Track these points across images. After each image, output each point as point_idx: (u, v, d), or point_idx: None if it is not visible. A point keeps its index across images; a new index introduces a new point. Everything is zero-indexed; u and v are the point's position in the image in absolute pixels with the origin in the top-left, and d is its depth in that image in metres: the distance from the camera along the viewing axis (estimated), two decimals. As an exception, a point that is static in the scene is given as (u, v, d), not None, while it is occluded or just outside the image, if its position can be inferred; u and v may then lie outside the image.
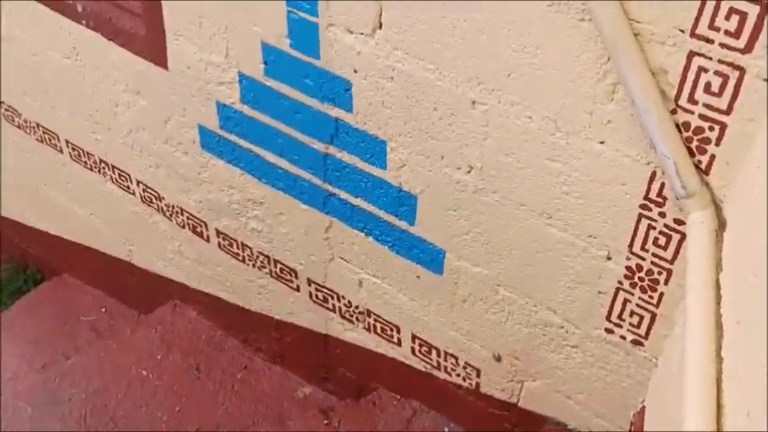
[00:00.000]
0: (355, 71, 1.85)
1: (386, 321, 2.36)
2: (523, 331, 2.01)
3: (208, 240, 2.72)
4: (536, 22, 1.48)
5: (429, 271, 2.10)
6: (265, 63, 2.04)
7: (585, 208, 1.66)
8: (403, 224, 2.06)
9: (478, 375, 2.23)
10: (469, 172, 1.82)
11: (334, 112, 1.98)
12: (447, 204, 1.92)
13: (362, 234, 2.19)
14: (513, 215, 1.81)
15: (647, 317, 1.73)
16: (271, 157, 2.25)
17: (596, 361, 1.91)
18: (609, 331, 1.82)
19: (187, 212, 2.70)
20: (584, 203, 1.66)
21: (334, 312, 2.50)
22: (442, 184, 1.89)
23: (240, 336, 2.99)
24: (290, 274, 2.53)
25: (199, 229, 2.72)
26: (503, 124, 1.67)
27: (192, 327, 3.12)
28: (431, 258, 2.07)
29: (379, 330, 2.41)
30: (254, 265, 2.63)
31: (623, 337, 1.81)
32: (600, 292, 1.78)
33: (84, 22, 2.45)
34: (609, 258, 1.71)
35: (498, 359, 2.14)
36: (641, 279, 1.68)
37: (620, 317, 1.78)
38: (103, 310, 3.51)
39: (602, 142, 1.55)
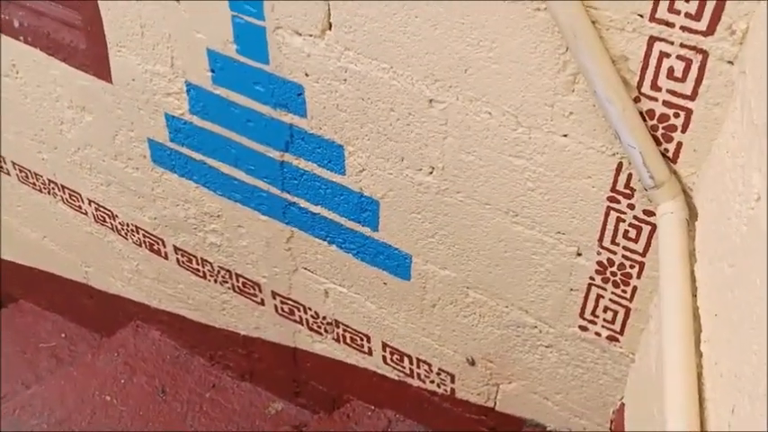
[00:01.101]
0: (307, 74, 1.78)
1: (355, 331, 2.29)
2: (496, 333, 1.95)
3: (166, 258, 2.62)
4: (490, 13, 1.42)
5: (396, 277, 2.04)
6: (212, 71, 1.95)
7: (552, 204, 1.61)
8: (366, 230, 2.00)
9: (453, 381, 2.17)
10: (431, 173, 1.75)
11: (288, 117, 1.90)
12: (410, 207, 1.86)
13: (325, 243, 2.12)
14: (478, 215, 1.75)
15: (622, 312, 1.68)
16: (225, 168, 2.16)
17: (572, 360, 1.86)
18: (583, 329, 1.77)
19: (143, 230, 2.60)
20: (551, 199, 1.61)
21: (302, 324, 2.42)
22: (403, 186, 1.83)
23: (206, 354, 2.89)
24: (254, 288, 2.45)
25: (156, 247, 2.62)
26: (462, 122, 1.61)
27: (156, 347, 3.01)
28: (397, 264, 2.00)
29: (348, 340, 2.33)
30: (215, 281, 2.54)
31: (598, 334, 1.76)
32: (572, 290, 1.73)
33: (21, 37, 2.35)
34: (579, 254, 1.66)
35: (472, 363, 2.08)
36: (613, 274, 1.63)
37: (593, 313, 1.73)
38: (63, 335, 3.38)
39: (565, 135, 1.50)
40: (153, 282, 2.78)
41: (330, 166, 1.93)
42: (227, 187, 2.21)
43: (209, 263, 2.50)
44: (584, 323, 1.76)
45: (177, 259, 2.59)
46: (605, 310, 1.71)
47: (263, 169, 2.07)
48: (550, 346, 1.87)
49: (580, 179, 1.53)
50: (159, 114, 2.18)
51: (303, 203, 2.07)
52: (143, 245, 2.65)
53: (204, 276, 2.56)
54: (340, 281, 2.19)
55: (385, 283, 2.08)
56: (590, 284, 1.69)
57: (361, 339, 2.29)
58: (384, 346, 2.25)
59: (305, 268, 2.25)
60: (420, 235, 1.89)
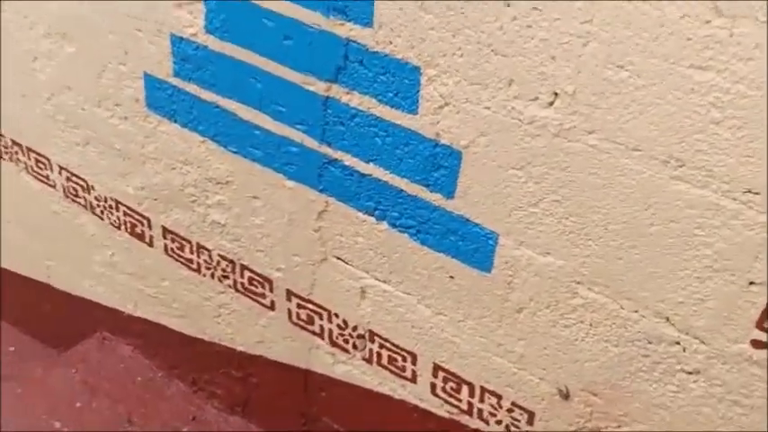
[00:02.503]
0: (383, -44, 1.26)
1: (396, 347, 1.71)
2: (612, 352, 1.39)
3: (151, 244, 2.05)
4: None
5: (470, 267, 1.48)
6: (245, -36, 1.43)
7: (747, 144, 1.07)
8: (436, 197, 1.44)
9: (531, 422, 1.58)
10: (552, 103, 1.22)
11: (345, 28, 1.37)
12: (510, 160, 1.31)
13: (372, 218, 1.56)
14: (618, 167, 1.20)
15: (831, 319, 1.13)
16: (245, 111, 1.62)
17: (728, 393, 1.29)
18: (758, 345, 1.21)
19: (124, 206, 2.03)
20: (746, 137, 1.07)
21: (322, 338, 1.84)
22: (505, 127, 1.29)
23: (188, 377, 2.28)
24: (263, 286, 1.87)
25: (139, 229, 2.04)
26: (618, 15, 1.09)
27: (125, 366, 2.40)
28: (475, 248, 1.45)
29: (385, 361, 1.75)
30: (212, 276, 1.96)
31: (783, 354, 1.20)
32: (752, 283, 1.17)
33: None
34: (776, 226, 1.11)
35: (566, 396, 1.50)
36: (831, 257, 1.09)
37: (781, 321, 1.18)
38: (12, 348, 2.76)
39: (795, 26, 0.97)
40: (130, 278, 2.19)
41: (396, 102, 1.39)
42: (243, 140, 1.66)
43: (208, 251, 1.92)
44: (762, 336, 1.21)
45: (165, 246, 2.02)
46: (803, 316, 1.15)
47: (299, 111, 1.53)
48: (697, 372, 1.31)
49: (807, 100, 1.00)
50: (163, 36, 1.65)
51: (349, 160, 1.52)
52: (123, 226, 2.08)
53: (198, 270, 1.98)
54: (385, 275, 1.62)
55: (452, 277, 1.52)
56: (785, 275, 1.14)
57: (404, 359, 1.71)
58: (436, 369, 1.67)
59: (337, 257, 1.68)
60: (517, 203, 1.34)
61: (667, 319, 1.29)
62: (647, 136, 1.15)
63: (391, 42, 1.33)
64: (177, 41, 1.63)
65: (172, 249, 2.01)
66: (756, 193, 1.10)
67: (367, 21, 1.34)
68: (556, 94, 1.20)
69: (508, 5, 1.17)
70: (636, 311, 1.32)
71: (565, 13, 1.13)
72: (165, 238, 2.00)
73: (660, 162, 1.16)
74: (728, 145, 1.09)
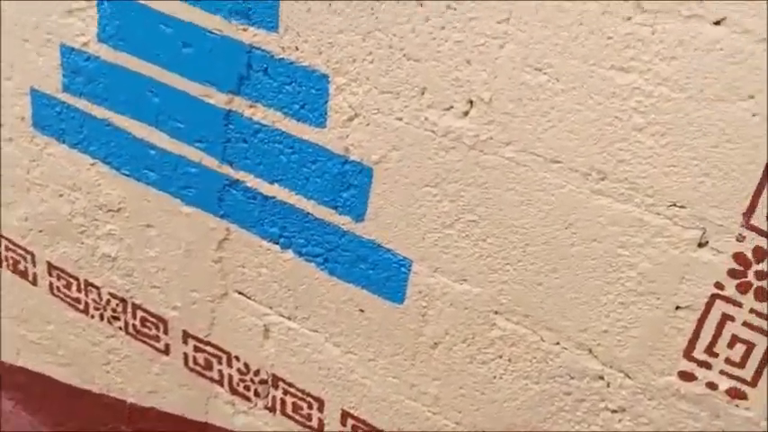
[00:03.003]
0: (288, -47, 1.17)
1: (302, 393, 1.55)
2: (532, 390, 1.27)
3: (35, 282, 1.85)
4: None
5: (381, 298, 1.35)
6: (142, -36, 1.32)
7: (671, 153, 1.01)
8: (345, 221, 1.33)
9: (446, 472, 1.44)
10: (468, 112, 1.13)
11: (248, 34, 1.27)
12: (423, 177, 1.21)
13: (276, 247, 1.43)
14: (536, 182, 1.12)
15: (762, 346, 1.05)
16: (139, 129, 1.48)
17: (656, 432, 1.19)
18: (687, 377, 1.12)
19: (6, 240, 1.84)
20: (671, 144, 1.00)
21: (221, 385, 1.67)
22: (417, 140, 1.19)
23: (74, 434, 2.06)
24: (157, 327, 1.70)
25: (22, 266, 1.85)
26: (537, 10, 1.02)
27: (5, 422, 2.15)
28: (387, 276, 1.33)
29: (289, 409, 1.59)
30: (102, 317, 1.78)
31: (713, 386, 1.11)
32: (678, 308, 1.09)
33: None
34: (703, 243, 1.04)
35: (483, 442, 1.37)
36: (761, 276, 1.01)
37: (710, 350, 1.09)
38: None
39: (718, 22, 0.92)
40: (11, 323, 1.98)
41: (303, 114, 1.28)
42: (137, 162, 1.52)
43: (97, 288, 1.75)
44: (690, 367, 1.12)
45: (51, 284, 1.83)
46: (733, 343, 1.07)
47: (198, 127, 1.41)
48: (622, 409, 1.20)
49: (733, 101, 0.94)
50: (52, 47, 1.51)
51: (251, 181, 1.40)
52: (5, 263, 1.88)
53: (86, 311, 1.80)
54: (290, 311, 1.48)
55: (362, 311, 1.39)
56: (714, 297, 1.06)
57: (310, 406, 1.56)
58: (344, 416, 1.52)
59: (239, 292, 1.54)
60: (432, 224, 1.24)
61: (590, 350, 1.19)
62: (567, 146, 1.07)
63: (297, 48, 1.23)
64: (67, 52, 1.50)
65: (57, 288, 1.82)
66: (682, 207, 1.03)
67: (272, 24, 1.24)
68: (471, 102, 1.12)
69: (421, 5, 1.09)
70: (557, 343, 1.22)
71: (480, 12, 1.06)
72: (50, 275, 1.81)
73: (581, 175, 1.08)
74: (652, 154, 1.02)
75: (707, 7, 0.91)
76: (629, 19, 0.96)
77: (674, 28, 0.94)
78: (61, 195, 1.67)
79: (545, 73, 1.05)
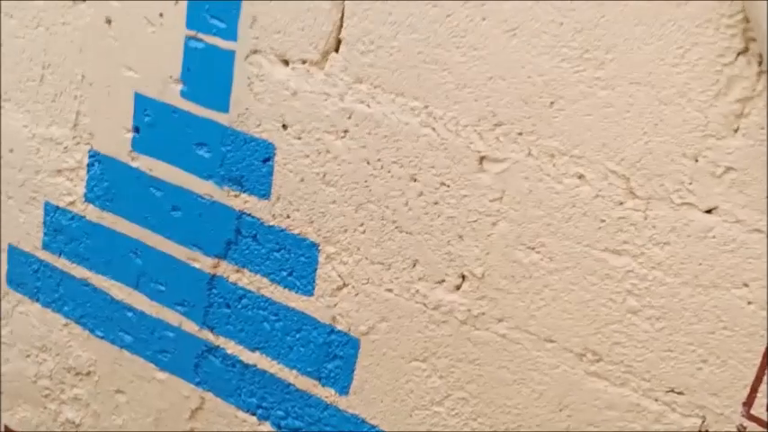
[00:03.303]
0: (285, 126, 1.20)
1: None
2: None
3: (-12, 447, 1.74)
4: (609, 7, 0.93)
5: (363, 478, 1.28)
6: (137, 130, 1.34)
7: (668, 338, 0.99)
8: (328, 394, 1.28)
9: None
10: (459, 286, 1.12)
11: (239, 201, 1.27)
12: (412, 350, 1.18)
13: (254, 418, 1.36)
14: (530, 360, 1.09)
15: None
16: (118, 291, 1.45)
17: None
18: None
19: (-37, 400, 1.74)
20: (666, 329, 0.99)
21: None
22: (407, 313, 1.17)
23: None
24: (117, 501, 1.58)
25: (-23, 429, 1.74)
26: (529, 193, 1.03)
27: None
28: (369, 454, 1.26)
29: None
30: (57, 488, 1.65)
31: None
32: (680, 500, 1.04)
33: None
34: None
35: None
36: (764, 467, 0.98)
37: None
38: None
39: (710, 210, 0.93)
40: (-43, 491, 1.83)
41: (290, 282, 1.26)
42: (113, 324, 1.47)
43: (56, 456, 1.64)
44: None
45: (5, 450, 1.71)
46: None
47: (181, 290, 1.38)
48: None
49: (727, 289, 0.94)
50: (36, 205, 1.50)
51: (232, 348, 1.35)
52: (-43, 425, 1.77)
53: (41, 480, 1.67)
54: (264, 488, 1.39)
55: (341, 491, 1.31)
56: (716, 489, 1.01)
57: None
58: None
59: (209, 465, 1.45)
60: (420, 400, 1.20)
61: None
62: (561, 325, 1.06)
63: (289, 216, 1.23)
64: (51, 210, 1.48)
65: (13, 454, 1.70)
66: (680, 393, 1.00)
67: (264, 192, 1.24)
68: (463, 276, 1.11)
69: (414, 180, 1.11)
70: None
71: (474, 191, 1.07)
72: (6, 439, 1.70)
73: (575, 355, 1.06)
74: (648, 337, 1.00)
75: (698, 195, 0.93)
76: (621, 204, 0.98)
77: (666, 214, 0.95)
78: (28, 356, 1.60)
79: (538, 252, 1.05)
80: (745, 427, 0.96)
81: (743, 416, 0.96)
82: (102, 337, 1.49)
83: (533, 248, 1.05)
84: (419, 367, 1.18)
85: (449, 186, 1.09)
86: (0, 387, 1.66)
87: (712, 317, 0.95)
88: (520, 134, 1.02)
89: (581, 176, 1.00)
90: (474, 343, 1.13)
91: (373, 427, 1.25)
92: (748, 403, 0.96)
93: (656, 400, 1.02)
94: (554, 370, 1.08)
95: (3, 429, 1.70)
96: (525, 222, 1.05)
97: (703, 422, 0.99)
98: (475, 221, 1.08)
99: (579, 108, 0.97)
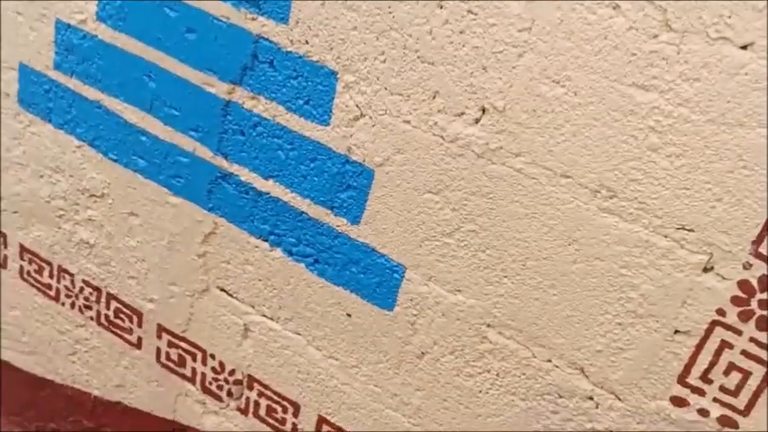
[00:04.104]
0: (307, -56, 1.14)
1: (278, 396, 1.51)
2: (518, 407, 1.26)
3: (4, 265, 1.79)
4: None
5: (370, 304, 1.33)
6: (151, -56, 1.28)
7: (685, 175, 1.00)
8: (340, 222, 1.30)
9: (422, 486, 1.41)
10: (479, 120, 1.12)
11: (257, 24, 1.24)
12: (426, 182, 1.19)
13: (265, 244, 1.40)
14: (544, 195, 1.10)
15: (759, 375, 1.05)
16: (132, 114, 1.44)
17: (642, 457, 1.18)
18: (679, 402, 1.11)
19: (-22, 219, 1.77)
20: (685, 167, 0.99)
21: (192, 383, 1.62)
22: (424, 145, 1.17)
23: (32, 425, 1.98)
24: (131, 319, 1.64)
25: (-8, 247, 1.78)
26: (562, 21, 1.01)
27: (-44, 410, 2.07)
28: (378, 281, 1.30)
29: (263, 412, 1.55)
30: (73, 305, 1.72)
31: (704, 413, 1.10)
32: (677, 332, 1.08)
33: None
34: (709, 269, 1.03)
35: (463, 457, 1.35)
36: (764, 305, 1.01)
37: (705, 376, 1.08)
38: None
39: (745, 47, 0.91)
40: (-25, 305, 1.90)
41: (307, 110, 1.25)
42: (127, 147, 1.47)
43: (71, 275, 1.69)
44: (683, 393, 1.11)
45: (21, 268, 1.76)
46: (729, 370, 1.06)
47: (195, 115, 1.37)
48: None
49: (753, 128, 0.94)
50: (47, 22, 1.46)
51: (245, 175, 1.36)
52: (-27, 243, 1.81)
53: (57, 298, 1.74)
54: (273, 311, 1.45)
55: (349, 315, 1.36)
56: (714, 324, 1.05)
57: (285, 410, 1.52)
58: (320, 422, 1.49)
59: (221, 288, 1.50)
60: (430, 231, 1.22)
61: (582, 370, 1.18)
62: (579, 161, 1.06)
63: (307, 42, 1.21)
64: (63, 28, 1.45)
65: (28, 272, 1.76)
66: (690, 231, 1.02)
67: (282, 16, 1.21)
68: (484, 109, 1.10)
69: (441, 7, 1.07)
70: (549, 360, 1.20)
71: (502, 19, 1.04)
72: (21, 258, 1.75)
73: (590, 191, 1.07)
74: (665, 175, 1.01)
75: (736, 30, 0.90)
76: (656, 37, 0.95)
77: (700, 49, 0.93)
78: (41, 177, 1.62)
79: (563, 86, 1.03)
80: (750, 264, 0.99)
81: (750, 254, 0.98)
82: (115, 161, 1.50)
83: (558, 82, 1.04)
84: (432, 199, 1.20)
85: (476, 14, 1.06)
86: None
87: (733, 156, 0.95)
88: (555, -40, 0.98)
89: (616, 7, 0.97)
90: (489, 177, 1.14)
91: (382, 255, 1.28)
92: (757, 242, 0.98)
93: (666, 236, 1.04)
94: (567, 205, 1.09)
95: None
96: (553, 54, 1.03)
97: (710, 258, 1.02)
98: (500, 52, 1.06)
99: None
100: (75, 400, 1.84)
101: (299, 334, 1.44)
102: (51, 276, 1.72)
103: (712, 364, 1.07)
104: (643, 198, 1.04)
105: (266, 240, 1.39)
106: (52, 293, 1.74)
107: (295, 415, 1.51)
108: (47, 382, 1.88)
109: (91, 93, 1.47)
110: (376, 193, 1.25)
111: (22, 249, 1.74)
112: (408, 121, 1.17)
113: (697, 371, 1.09)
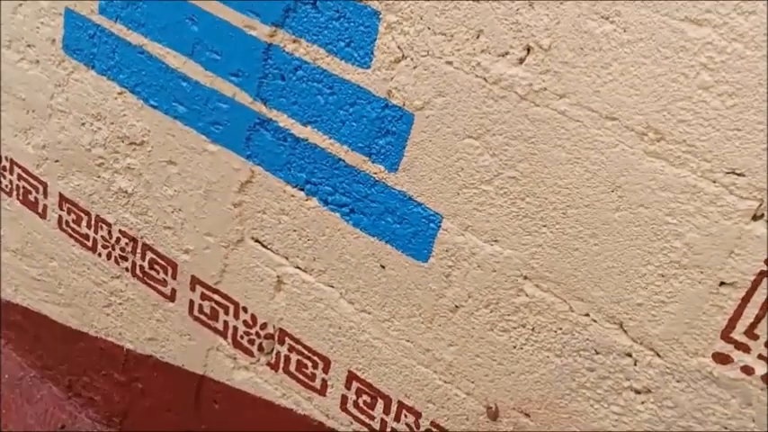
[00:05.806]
0: None
1: (309, 351, 1.50)
2: (552, 363, 1.22)
3: (44, 215, 1.81)
4: None
5: (405, 255, 1.31)
6: None
7: (737, 115, 0.96)
8: (377, 170, 1.28)
9: (450, 446, 1.39)
10: (523, 60, 1.09)
11: (301, -37, 1.23)
12: (467, 127, 1.17)
13: (301, 193, 1.38)
14: (588, 139, 1.07)
15: (808, 330, 1.00)
16: (173, 59, 1.44)
17: (680, 417, 1.13)
18: (722, 359, 1.07)
19: (20, 168, 1.80)
20: (738, 106, 0.95)
21: (224, 337, 1.62)
22: (466, 87, 1.15)
23: (64, 379, 2.00)
24: (165, 271, 1.65)
25: (32, 197, 1.80)
26: (612, -43, 0.98)
27: (-7, 361, 2.10)
28: (414, 231, 1.28)
29: (293, 367, 1.54)
30: (109, 256, 1.73)
31: (749, 370, 1.06)
32: (723, 284, 1.04)
33: None
34: (758, 217, 0.99)
35: (494, 416, 1.32)
36: (817, 253, 0.96)
37: (751, 331, 1.04)
38: None
39: (806, -23, 0.87)
40: (12, 257, 1.93)
41: (348, 53, 1.24)
42: (167, 93, 1.47)
43: (108, 225, 1.70)
44: (726, 349, 1.06)
45: (60, 218, 1.78)
46: (776, 325, 1.02)
47: (236, 60, 1.36)
48: (647, 390, 1.15)
49: (811, 64, 0.89)
50: (94, -34, 1.47)
51: (284, 121, 1.35)
52: (14, 192, 1.83)
53: (94, 248, 1.75)
54: (307, 262, 1.43)
55: (383, 267, 1.34)
56: (762, 275, 1.01)
57: (315, 366, 1.50)
58: (350, 378, 1.47)
59: (255, 239, 1.49)
60: (469, 179, 1.19)
61: (621, 324, 1.14)
62: (626, 102, 1.03)
63: (351, -19, 1.19)
64: (109, -27, 1.46)
65: (67, 222, 1.77)
66: (740, 175, 0.98)
67: (327, -45, 1.20)
68: (528, 48, 1.08)
69: (488, -59, 1.05)
70: (587, 314, 1.16)
71: (550, -47, 1.01)
72: (60, 208, 1.77)
73: (636, 134, 1.03)
74: (716, 115, 0.97)
75: (797, -43, 0.86)
76: (711, -33, 0.92)
77: (758, -21, 0.89)
78: (83, 124, 1.63)
79: (612, 21, 1.00)
80: (804, 209, 0.95)
81: (804, 198, 0.94)
82: (155, 107, 1.50)
83: (607, 18, 1.00)
84: (472, 144, 1.17)
85: (524, -52, 1.03)
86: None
87: (790, 92, 0.91)
88: None
89: (669, -63, 0.93)
90: (531, 120, 1.11)
91: (419, 204, 1.26)
92: (812, 184, 0.93)
93: (714, 181, 1.00)
94: (611, 149, 1.06)
95: None
96: (602, -11, 1.00)
97: (760, 205, 0.98)
98: (548, -12, 1.03)
99: None
100: (108, 354, 1.85)
101: (332, 287, 1.42)
102: (89, 226, 1.73)
103: (759, 318, 1.03)
104: (692, 140, 1.00)
105: (302, 189, 1.38)
106: (89, 244, 1.75)
107: (325, 370, 1.50)
108: (81, 335, 1.89)
109: (134, 38, 1.47)
110: (415, 139, 1.22)
111: (62, 199, 1.75)
112: (451, 62, 1.15)
113: (742, 325, 1.04)
